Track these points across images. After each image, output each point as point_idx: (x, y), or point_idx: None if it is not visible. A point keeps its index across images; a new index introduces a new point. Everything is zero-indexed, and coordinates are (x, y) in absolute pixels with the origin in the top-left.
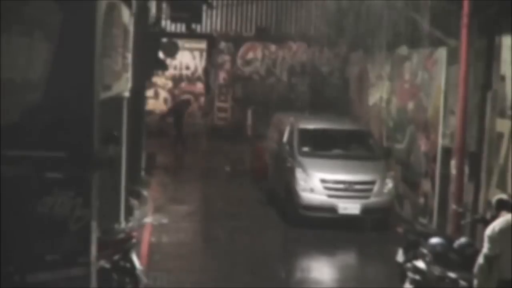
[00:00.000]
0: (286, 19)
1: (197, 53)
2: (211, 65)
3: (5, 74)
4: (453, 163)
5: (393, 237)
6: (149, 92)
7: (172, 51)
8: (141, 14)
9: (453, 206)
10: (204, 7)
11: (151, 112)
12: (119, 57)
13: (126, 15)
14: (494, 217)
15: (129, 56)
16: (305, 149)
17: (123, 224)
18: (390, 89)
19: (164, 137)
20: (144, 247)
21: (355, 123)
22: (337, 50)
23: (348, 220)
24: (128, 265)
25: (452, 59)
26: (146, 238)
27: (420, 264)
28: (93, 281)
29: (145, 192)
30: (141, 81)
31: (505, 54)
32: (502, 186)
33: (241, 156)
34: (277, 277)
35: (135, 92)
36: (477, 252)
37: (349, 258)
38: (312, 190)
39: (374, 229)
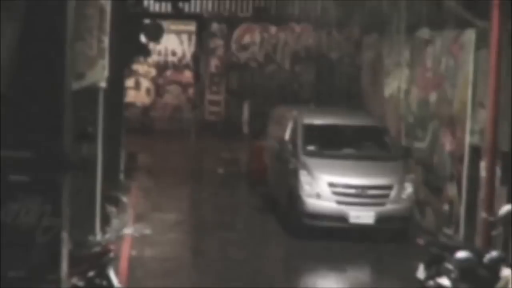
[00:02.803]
0: None
1: (185, 37)
2: (201, 51)
3: None
4: (483, 164)
5: (413, 251)
6: (129, 82)
7: (156, 34)
8: None
9: (483, 215)
10: None
11: (131, 105)
12: (94, 41)
13: None
14: None
15: (106, 40)
16: (311, 148)
17: (98, 236)
18: (410, 78)
19: (147, 134)
20: (124, 262)
21: (369, 118)
22: (348, 32)
23: (361, 230)
24: (104, 283)
25: (482, 43)
26: (126, 251)
27: (445, 281)
28: None
29: (124, 198)
30: (120, 69)
31: None
32: None
33: (236, 156)
34: None
35: (113, 82)
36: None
37: (362, 275)
38: (318, 196)
39: (391, 241)
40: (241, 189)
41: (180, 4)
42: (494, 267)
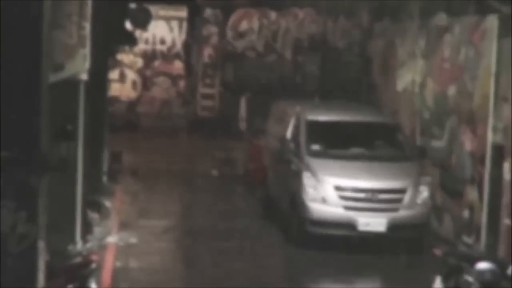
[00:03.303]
0: None
1: (175, 23)
2: (193, 39)
3: None
4: (506, 165)
5: (429, 262)
6: (113, 74)
7: (143, 20)
8: None
9: (506, 221)
10: None
11: (116, 100)
12: (74, 28)
13: None
14: None
15: (87, 27)
16: (315, 147)
17: (79, 245)
18: (425, 70)
19: (133, 131)
20: (107, 274)
21: (380, 114)
22: (356, 19)
23: (371, 239)
24: None
25: (505, 30)
26: (109, 262)
27: None
28: None
29: (107, 203)
30: (103, 60)
31: None
32: None
33: (232, 156)
34: None
35: (95, 74)
36: None
37: None
38: (324, 201)
39: (404, 251)
40: (237, 193)
41: None
42: None
